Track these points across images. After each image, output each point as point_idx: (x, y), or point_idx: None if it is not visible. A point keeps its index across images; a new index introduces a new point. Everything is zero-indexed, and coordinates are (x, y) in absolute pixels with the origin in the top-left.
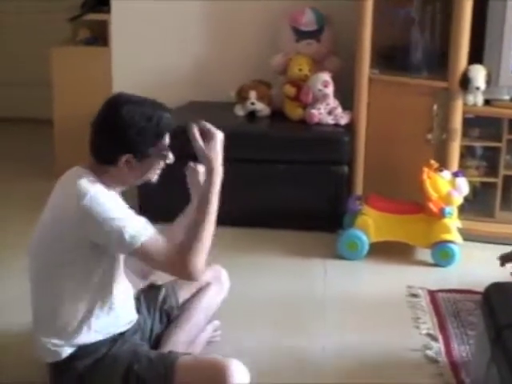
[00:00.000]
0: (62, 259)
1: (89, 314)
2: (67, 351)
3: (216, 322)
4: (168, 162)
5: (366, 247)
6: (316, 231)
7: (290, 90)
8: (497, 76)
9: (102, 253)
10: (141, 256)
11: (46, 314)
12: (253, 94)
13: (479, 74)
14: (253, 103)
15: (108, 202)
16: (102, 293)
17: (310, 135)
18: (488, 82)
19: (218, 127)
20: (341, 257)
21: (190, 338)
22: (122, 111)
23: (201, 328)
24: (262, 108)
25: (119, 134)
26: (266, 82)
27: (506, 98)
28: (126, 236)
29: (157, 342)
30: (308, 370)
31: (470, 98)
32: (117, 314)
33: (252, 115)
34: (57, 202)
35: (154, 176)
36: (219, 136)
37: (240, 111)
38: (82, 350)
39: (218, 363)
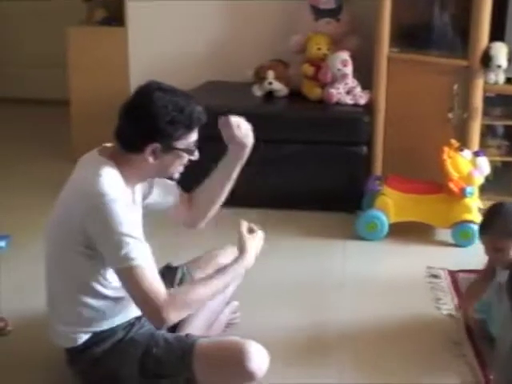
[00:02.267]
0: (69, 246)
1: (102, 301)
2: (83, 337)
3: (235, 303)
4: (193, 158)
5: (386, 228)
6: (335, 212)
7: (309, 70)
8: None
9: None
10: (124, 278)
11: (60, 301)
12: (271, 74)
13: (501, 52)
14: (270, 83)
15: (123, 213)
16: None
17: (329, 115)
18: (510, 59)
19: (236, 107)
20: (360, 237)
21: (208, 322)
22: (155, 98)
23: (218, 311)
24: (279, 88)
25: (149, 122)
26: (284, 62)
27: None
28: (122, 252)
29: (173, 326)
30: (327, 350)
31: (492, 77)
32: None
33: (270, 95)
34: (73, 189)
35: (177, 172)
36: (260, 235)
37: (258, 91)
38: (99, 336)
39: (237, 346)
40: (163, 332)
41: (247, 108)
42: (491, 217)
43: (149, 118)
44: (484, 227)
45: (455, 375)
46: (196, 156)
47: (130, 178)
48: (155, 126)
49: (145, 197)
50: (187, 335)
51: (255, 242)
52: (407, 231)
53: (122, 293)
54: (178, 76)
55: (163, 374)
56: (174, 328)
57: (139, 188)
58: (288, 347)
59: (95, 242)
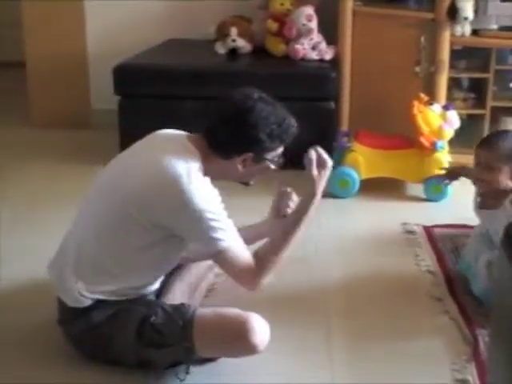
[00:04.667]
0: (136, 222)
1: (136, 278)
2: (89, 302)
3: (217, 269)
4: (274, 167)
5: (357, 184)
6: (303, 169)
7: (273, 26)
8: (485, 5)
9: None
10: (217, 260)
11: (93, 261)
12: (234, 31)
13: (467, 4)
14: (234, 40)
15: (209, 199)
16: (163, 264)
17: (295, 71)
18: (476, 11)
19: (199, 65)
20: (332, 195)
21: (192, 287)
22: (258, 109)
23: (202, 277)
24: (243, 45)
25: (250, 132)
26: (247, 18)
27: (494, 27)
28: (210, 237)
29: (158, 291)
30: (311, 310)
31: (458, 29)
32: (158, 279)
33: (233, 52)
34: (156, 168)
35: (254, 180)
36: (329, 165)
37: (221, 49)
38: (103, 302)
39: (240, 319)
40: (160, 301)
41: (211, 66)
42: (496, 136)
43: (250, 128)
44: (485, 142)
45: (441, 333)
46: (276, 166)
47: (209, 174)
48: (255, 136)
49: None
50: (183, 305)
51: (324, 179)
52: (379, 187)
53: (161, 272)
54: (137, 34)
55: (162, 343)
56: (158, 293)
57: None
58: (272, 309)
59: (180, 233)
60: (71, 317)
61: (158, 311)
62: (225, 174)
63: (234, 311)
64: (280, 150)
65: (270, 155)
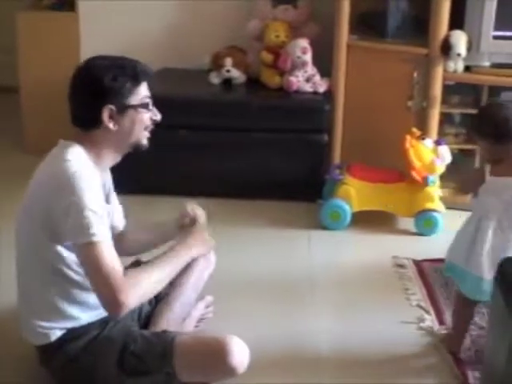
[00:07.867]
0: (40, 239)
1: (76, 294)
2: (57, 334)
3: (208, 298)
4: (155, 118)
5: (349, 217)
6: (295, 201)
7: (268, 57)
8: (477, 42)
9: None
10: (84, 254)
11: (33, 295)
12: (228, 61)
13: (461, 40)
14: (228, 70)
15: (89, 190)
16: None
17: (289, 103)
18: (469, 48)
19: (193, 95)
20: (323, 227)
21: (181, 316)
22: (93, 64)
23: (191, 305)
24: (237, 75)
25: (94, 85)
26: (242, 49)
27: (487, 64)
28: (84, 226)
29: (146, 322)
30: (300, 343)
31: (451, 65)
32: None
33: (227, 83)
34: (41, 175)
35: (144, 137)
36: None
37: (215, 79)
38: (73, 333)
39: (218, 342)
40: (139, 329)
41: (205, 96)
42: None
43: (93, 83)
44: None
45: (431, 371)
46: (157, 115)
47: (98, 158)
48: (101, 86)
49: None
50: (164, 331)
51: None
52: (370, 220)
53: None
54: None
55: (143, 370)
56: (146, 322)
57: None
58: (261, 341)
59: (58, 221)
60: (46, 354)
61: (137, 338)
62: (109, 142)
63: (213, 335)
64: (143, 91)
65: (132, 100)
